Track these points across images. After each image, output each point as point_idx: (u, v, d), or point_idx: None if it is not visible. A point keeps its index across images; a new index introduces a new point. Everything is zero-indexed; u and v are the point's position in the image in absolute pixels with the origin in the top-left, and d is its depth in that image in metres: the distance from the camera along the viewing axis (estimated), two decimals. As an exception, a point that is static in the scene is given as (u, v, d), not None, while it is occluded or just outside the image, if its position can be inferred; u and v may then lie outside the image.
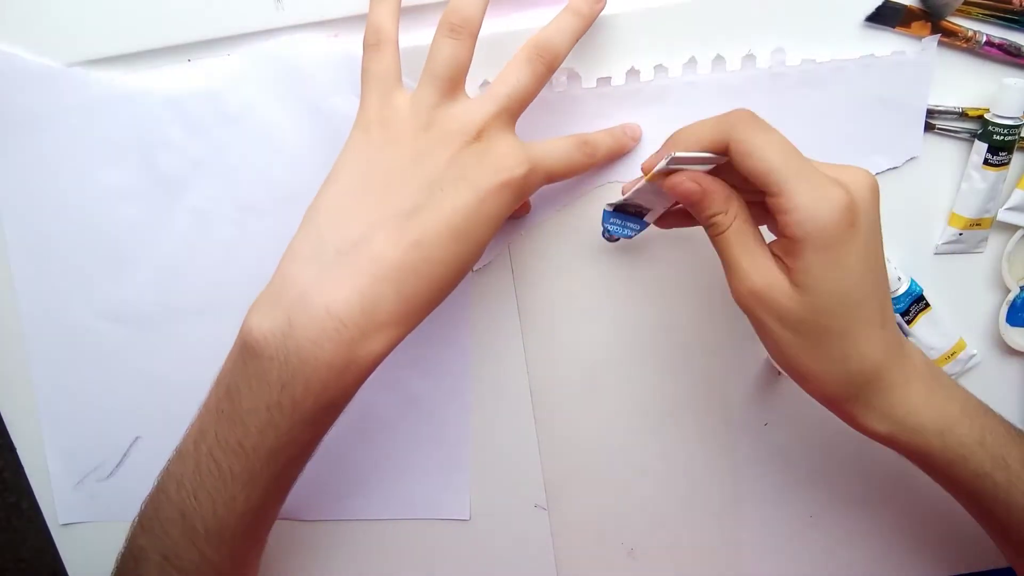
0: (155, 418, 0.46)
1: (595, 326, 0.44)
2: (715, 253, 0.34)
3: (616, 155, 0.40)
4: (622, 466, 0.47)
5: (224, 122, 0.41)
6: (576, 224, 0.42)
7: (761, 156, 0.29)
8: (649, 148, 0.41)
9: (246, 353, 0.31)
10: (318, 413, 0.32)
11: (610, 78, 0.39)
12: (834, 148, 0.41)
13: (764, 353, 0.44)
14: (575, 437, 0.46)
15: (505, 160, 0.33)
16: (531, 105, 0.36)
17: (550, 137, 0.38)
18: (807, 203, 0.29)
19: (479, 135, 0.33)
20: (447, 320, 0.44)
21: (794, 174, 0.29)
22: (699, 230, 0.35)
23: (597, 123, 0.40)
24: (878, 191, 0.31)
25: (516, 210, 0.40)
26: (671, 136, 0.34)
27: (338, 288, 0.30)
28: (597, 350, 0.45)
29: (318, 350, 0.30)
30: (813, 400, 0.34)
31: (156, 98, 0.41)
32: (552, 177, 0.36)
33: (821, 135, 0.40)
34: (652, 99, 0.40)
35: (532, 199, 0.42)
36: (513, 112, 0.34)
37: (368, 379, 0.33)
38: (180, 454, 0.35)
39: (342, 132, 0.34)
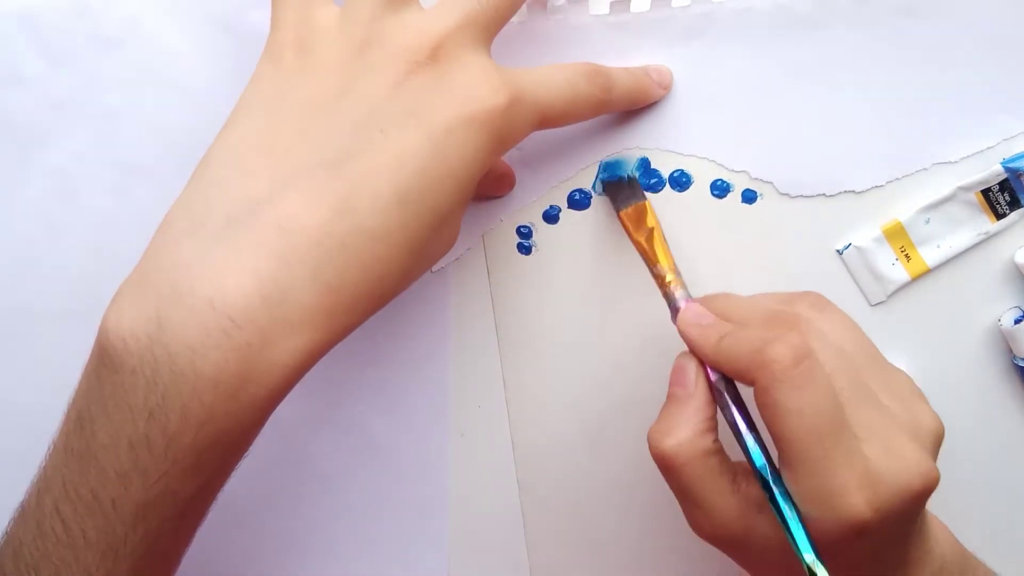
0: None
1: (603, 352, 0.36)
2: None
3: (637, 101, 0.33)
4: (635, 554, 0.37)
5: (100, 48, 0.36)
6: (578, 208, 0.35)
7: (784, 423, 0.25)
8: (682, 98, 0.33)
9: (102, 365, 0.25)
10: (203, 453, 0.26)
11: (629, 1, 0.33)
12: (942, 105, 0.33)
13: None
14: (571, 512, 0.37)
15: (474, 86, 0.27)
16: (515, 39, 0.31)
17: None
18: (812, 495, 0.25)
19: (435, 54, 0.27)
20: (417, 335, 0.36)
21: (817, 456, 0.25)
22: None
23: (609, 63, 0.33)
24: (932, 484, 0.25)
25: (494, 186, 0.35)
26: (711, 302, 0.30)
27: (227, 271, 0.25)
28: (608, 386, 0.36)
29: (200, 361, 0.24)
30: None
31: (4, 14, 0.35)
32: (548, 117, 0.29)
33: (924, 86, 0.33)
34: (688, 32, 0.33)
35: (517, 169, 0.34)
36: (486, 26, 0.28)
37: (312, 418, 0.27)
38: (22, 511, 0.29)
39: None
